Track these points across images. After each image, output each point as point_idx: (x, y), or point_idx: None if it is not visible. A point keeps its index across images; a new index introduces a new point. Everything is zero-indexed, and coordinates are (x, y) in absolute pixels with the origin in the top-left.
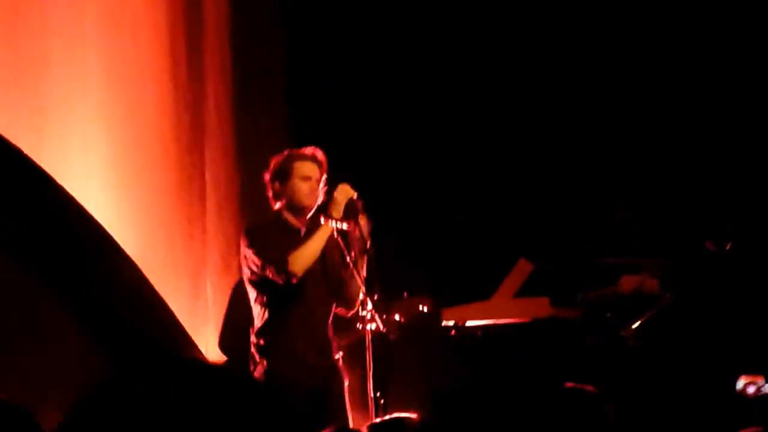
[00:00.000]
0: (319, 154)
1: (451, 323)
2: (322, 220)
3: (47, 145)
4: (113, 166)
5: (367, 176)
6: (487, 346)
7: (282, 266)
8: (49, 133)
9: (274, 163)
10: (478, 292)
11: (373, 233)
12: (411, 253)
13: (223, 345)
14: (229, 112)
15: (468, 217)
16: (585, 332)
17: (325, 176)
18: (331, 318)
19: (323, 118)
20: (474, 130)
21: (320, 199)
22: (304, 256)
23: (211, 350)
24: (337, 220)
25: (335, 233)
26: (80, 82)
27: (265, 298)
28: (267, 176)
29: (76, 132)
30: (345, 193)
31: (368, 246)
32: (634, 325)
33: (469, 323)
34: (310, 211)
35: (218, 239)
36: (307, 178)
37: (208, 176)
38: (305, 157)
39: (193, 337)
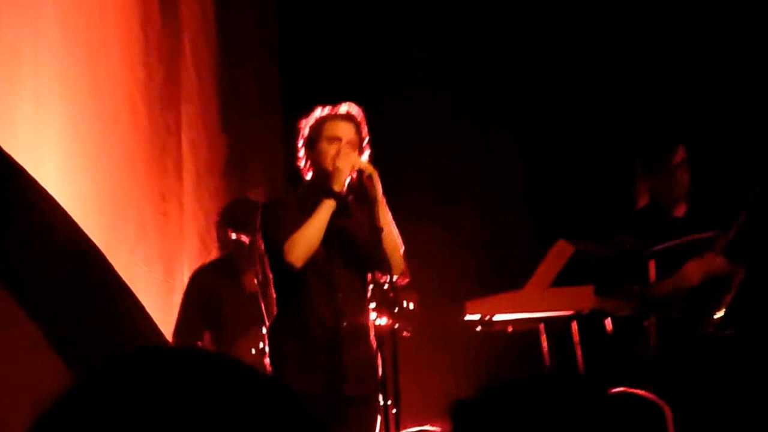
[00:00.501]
0: (355, 111)
1: (476, 317)
2: (324, 194)
3: None
4: (70, 129)
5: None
6: (519, 344)
7: (278, 254)
8: None
9: (302, 126)
10: (508, 281)
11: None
12: (425, 234)
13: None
14: (210, 68)
15: (494, 189)
16: (644, 331)
17: (366, 139)
18: (364, 303)
19: (320, 73)
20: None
21: (364, 165)
22: (302, 242)
23: None
24: (340, 196)
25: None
26: (30, 27)
27: (277, 284)
28: (298, 142)
29: (26, 88)
30: (348, 161)
31: (380, 226)
32: (718, 315)
33: (498, 317)
34: (342, 180)
35: (197, 218)
36: (335, 139)
37: (185, 143)
38: (335, 116)
39: (167, 334)
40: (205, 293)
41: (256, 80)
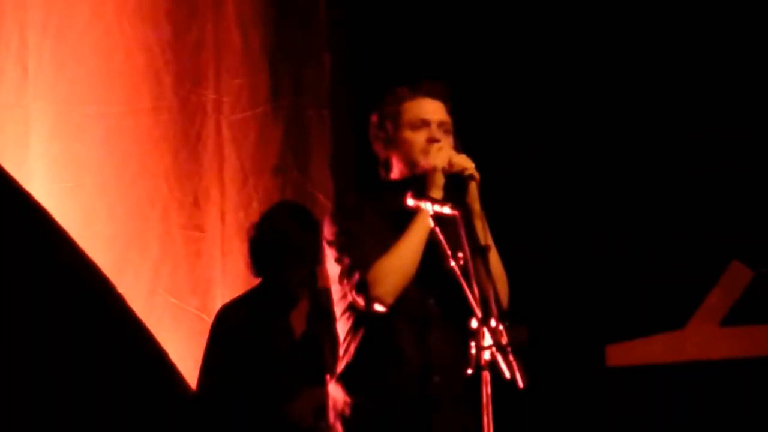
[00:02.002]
0: (442, 86)
1: (621, 366)
2: (411, 202)
3: None
4: (68, 110)
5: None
6: (683, 401)
7: (359, 287)
8: None
9: (376, 112)
10: (665, 317)
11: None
12: (554, 258)
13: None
14: (259, 27)
15: (644, 206)
16: None
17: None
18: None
19: (399, 47)
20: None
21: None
22: (395, 271)
23: None
24: (436, 203)
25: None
26: None
27: (349, 324)
28: (372, 133)
29: (9, 54)
30: (445, 154)
31: (486, 243)
32: None
33: (651, 365)
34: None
35: (241, 233)
36: (423, 124)
37: (225, 130)
38: (417, 93)
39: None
40: (238, 337)
41: (319, 46)
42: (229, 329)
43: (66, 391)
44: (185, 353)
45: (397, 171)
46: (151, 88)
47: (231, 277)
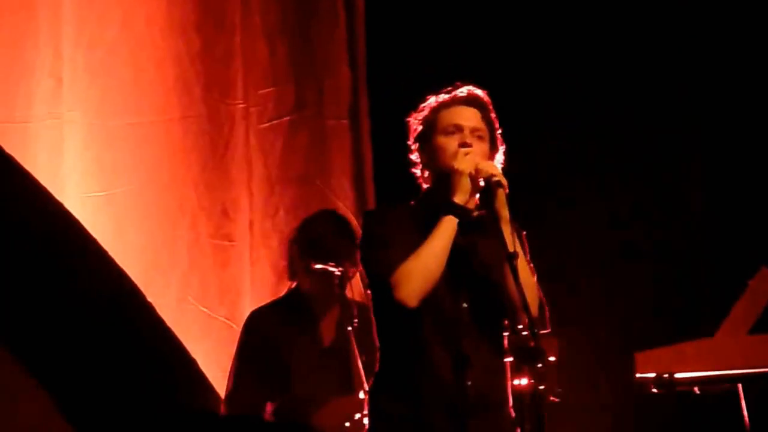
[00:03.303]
0: (479, 94)
1: (650, 375)
2: (439, 208)
3: None
4: (99, 119)
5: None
6: (709, 411)
7: (384, 290)
8: None
9: (412, 119)
10: (693, 326)
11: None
12: (575, 266)
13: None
14: (285, 37)
15: (673, 213)
16: None
17: (499, 133)
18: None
19: (423, 54)
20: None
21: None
22: (417, 273)
23: None
24: (463, 210)
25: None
26: None
27: (382, 331)
28: (410, 140)
29: (43, 65)
30: (471, 160)
31: (514, 250)
32: None
33: (680, 375)
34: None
35: (269, 241)
36: (456, 129)
37: (253, 139)
38: (453, 100)
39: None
40: (268, 345)
41: (340, 58)
42: (258, 335)
43: (95, 399)
44: (213, 361)
45: (430, 176)
46: (180, 98)
47: (259, 286)
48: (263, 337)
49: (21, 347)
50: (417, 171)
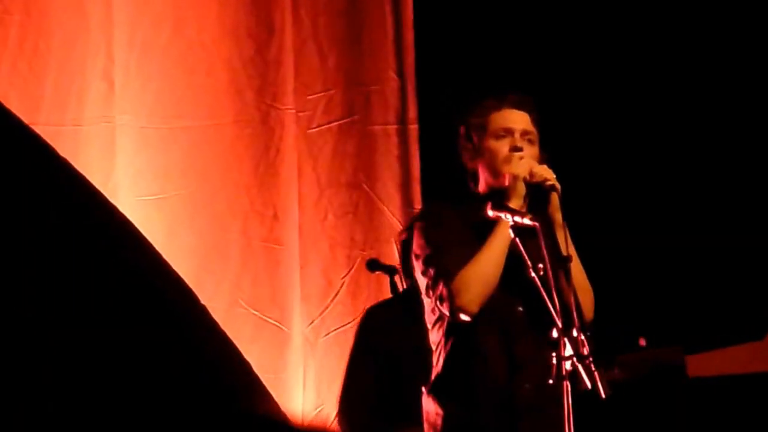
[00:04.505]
0: (528, 98)
1: (703, 377)
2: (491, 213)
3: None
4: (152, 124)
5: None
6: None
7: (444, 297)
8: None
9: (462, 123)
10: (745, 328)
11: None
12: (638, 270)
13: (344, 415)
14: (335, 41)
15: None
16: None
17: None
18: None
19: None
20: None
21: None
22: (477, 280)
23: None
24: (516, 215)
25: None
26: None
27: (437, 335)
28: (460, 143)
29: (95, 66)
30: (526, 163)
31: (568, 254)
32: None
33: (733, 376)
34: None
35: (318, 245)
36: (507, 133)
37: (302, 144)
38: (504, 104)
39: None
40: (379, 340)
41: (387, 66)
42: (371, 332)
43: (156, 401)
44: (265, 364)
45: (482, 181)
46: (232, 102)
47: (309, 289)
48: (375, 333)
49: (78, 350)
50: (467, 173)
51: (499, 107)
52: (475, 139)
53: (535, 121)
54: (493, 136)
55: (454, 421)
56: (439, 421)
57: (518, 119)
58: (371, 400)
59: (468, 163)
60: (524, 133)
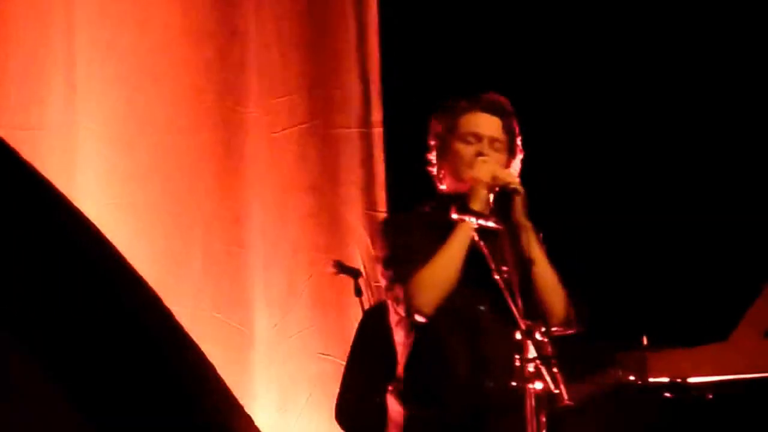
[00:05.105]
0: (502, 102)
1: (664, 380)
2: (455, 216)
3: None
4: (113, 128)
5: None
6: (724, 417)
7: (400, 299)
8: None
9: (433, 122)
10: (708, 328)
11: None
12: (600, 271)
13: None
14: (298, 46)
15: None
16: None
17: (519, 140)
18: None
19: (439, 63)
20: None
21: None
22: (432, 282)
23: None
24: (481, 218)
25: (476, 237)
26: None
27: (404, 329)
28: (429, 142)
29: (56, 72)
30: (488, 168)
31: (531, 258)
32: None
33: (694, 380)
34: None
35: (280, 248)
36: (473, 138)
37: (265, 148)
38: (475, 106)
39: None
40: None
41: (350, 69)
42: (369, 329)
43: (119, 405)
44: (228, 368)
45: (447, 183)
46: (195, 106)
47: (271, 292)
48: (380, 329)
49: (39, 356)
50: (433, 170)
51: (470, 109)
52: (443, 139)
53: (507, 127)
54: (461, 139)
55: (417, 420)
56: (401, 420)
57: (488, 125)
58: (370, 400)
59: (434, 162)
60: (492, 141)
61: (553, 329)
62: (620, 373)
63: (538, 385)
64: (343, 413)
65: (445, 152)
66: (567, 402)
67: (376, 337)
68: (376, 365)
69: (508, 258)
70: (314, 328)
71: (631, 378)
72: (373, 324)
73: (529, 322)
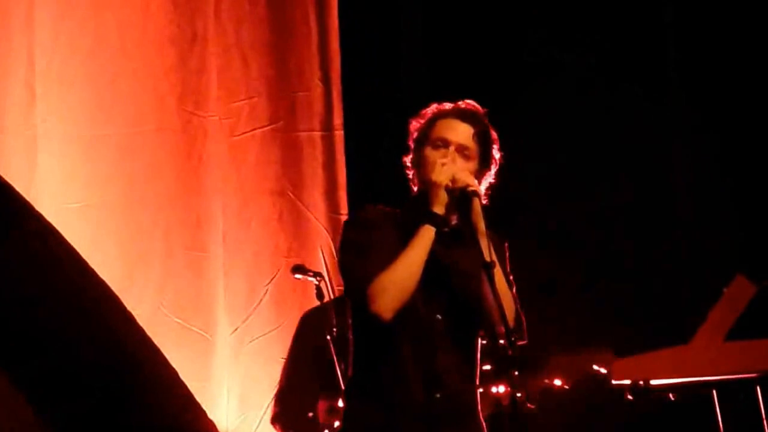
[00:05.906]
0: (477, 111)
1: (626, 383)
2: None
3: None
4: (75, 129)
5: None
6: (684, 417)
7: (359, 301)
8: None
9: (411, 128)
10: (669, 332)
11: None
12: (565, 274)
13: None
14: (259, 50)
15: (648, 220)
16: None
17: (496, 148)
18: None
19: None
20: None
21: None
22: (393, 285)
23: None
24: (441, 220)
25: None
26: None
27: (356, 337)
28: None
29: (16, 74)
30: (447, 171)
31: (491, 260)
32: None
33: (656, 382)
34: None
35: (242, 252)
36: (441, 143)
37: (227, 151)
38: (448, 112)
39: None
40: (317, 343)
41: (312, 72)
42: (305, 335)
43: (78, 410)
44: (189, 372)
45: (416, 185)
46: (155, 110)
47: (232, 296)
48: (314, 333)
49: (3, 358)
50: (409, 173)
51: (444, 116)
52: (417, 142)
53: (480, 136)
54: (431, 143)
55: (371, 425)
56: (356, 423)
57: (458, 132)
58: (308, 400)
59: (408, 165)
60: (461, 147)
61: (501, 340)
62: (556, 382)
63: (501, 389)
64: (277, 419)
65: (417, 156)
66: (530, 406)
67: (310, 345)
68: (309, 375)
69: (468, 262)
70: (275, 333)
71: (602, 371)
72: (306, 333)
73: (486, 328)
